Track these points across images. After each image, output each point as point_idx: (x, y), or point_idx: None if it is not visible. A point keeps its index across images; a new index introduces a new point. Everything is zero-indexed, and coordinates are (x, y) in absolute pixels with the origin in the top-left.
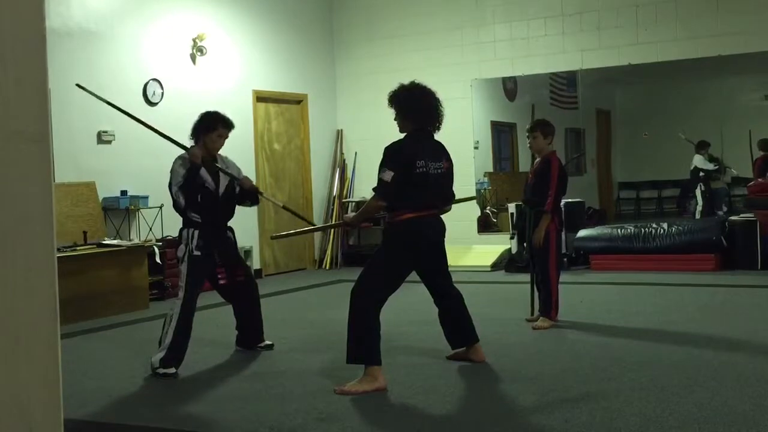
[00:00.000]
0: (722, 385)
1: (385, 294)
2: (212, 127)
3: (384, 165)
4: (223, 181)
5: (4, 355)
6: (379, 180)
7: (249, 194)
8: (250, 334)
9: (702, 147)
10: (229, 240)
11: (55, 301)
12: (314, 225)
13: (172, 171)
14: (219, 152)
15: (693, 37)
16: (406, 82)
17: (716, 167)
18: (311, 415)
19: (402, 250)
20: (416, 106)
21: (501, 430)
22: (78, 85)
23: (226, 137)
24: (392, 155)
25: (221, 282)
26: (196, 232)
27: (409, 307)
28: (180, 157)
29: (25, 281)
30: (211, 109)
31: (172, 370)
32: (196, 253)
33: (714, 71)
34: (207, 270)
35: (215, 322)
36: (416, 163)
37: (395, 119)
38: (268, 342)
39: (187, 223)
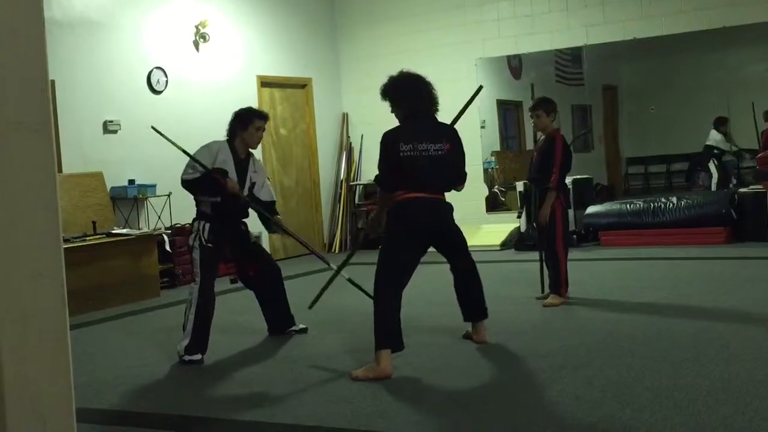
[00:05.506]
0: (734, 358)
1: (397, 275)
2: (248, 121)
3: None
4: (247, 183)
5: (14, 346)
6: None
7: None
8: (274, 320)
9: (721, 123)
10: (240, 233)
11: (63, 290)
12: (331, 266)
13: (197, 153)
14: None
15: (697, 9)
16: (405, 66)
17: (735, 149)
18: (323, 398)
19: (398, 230)
20: (403, 93)
21: (512, 407)
22: (153, 128)
23: (264, 129)
24: (381, 144)
25: (228, 276)
26: (207, 225)
27: (424, 288)
28: (207, 147)
29: (32, 271)
30: (216, 95)
31: (198, 357)
32: (208, 245)
33: (719, 43)
34: (219, 259)
35: (226, 308)
36: (400, 147)
37: (392, 112)
38: (301, 326)
39: (199, 216)
